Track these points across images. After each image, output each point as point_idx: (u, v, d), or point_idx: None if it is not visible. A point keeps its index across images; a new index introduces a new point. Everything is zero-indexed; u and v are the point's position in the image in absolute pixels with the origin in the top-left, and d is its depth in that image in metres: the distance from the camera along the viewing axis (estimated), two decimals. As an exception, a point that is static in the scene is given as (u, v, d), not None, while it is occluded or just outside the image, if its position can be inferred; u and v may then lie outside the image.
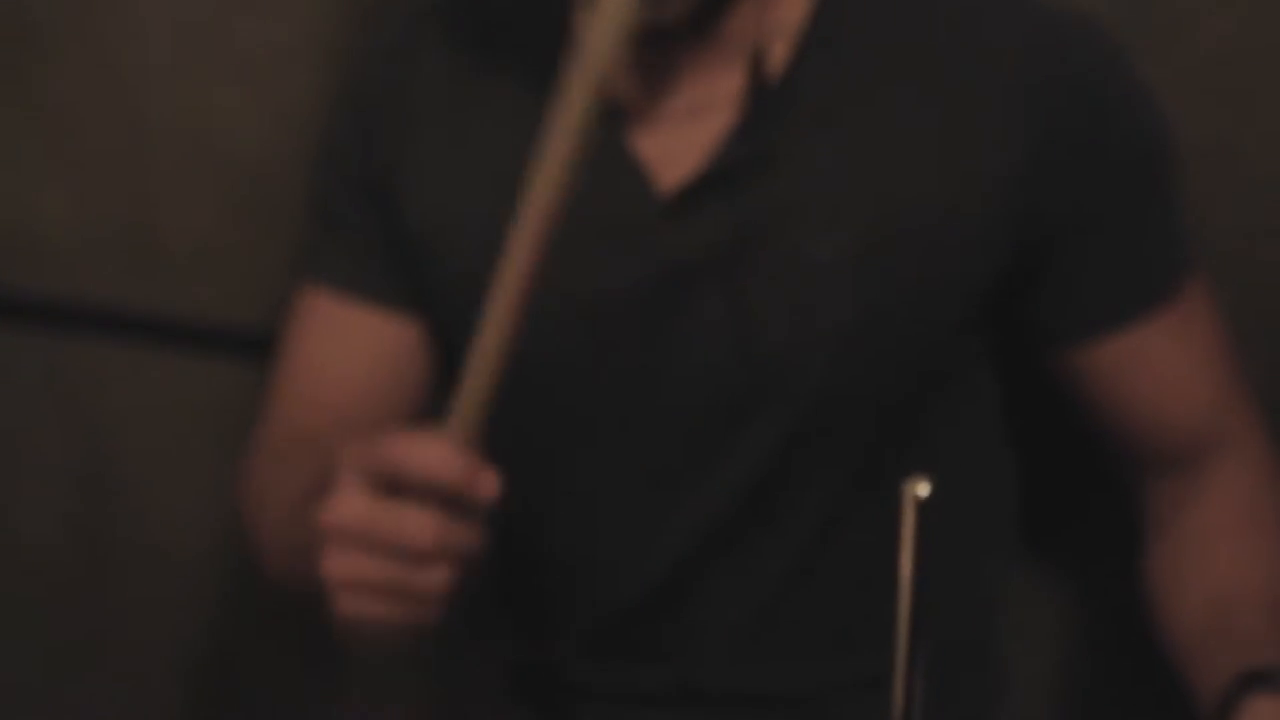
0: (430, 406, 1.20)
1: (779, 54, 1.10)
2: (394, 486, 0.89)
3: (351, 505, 0.89)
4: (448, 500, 0.88)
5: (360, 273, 1.21)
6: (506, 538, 1.09)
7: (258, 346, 1.60)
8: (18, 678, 1.73)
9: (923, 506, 0.67)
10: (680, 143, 1.11)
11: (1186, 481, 1.17)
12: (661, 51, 1.10)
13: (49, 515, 1.70)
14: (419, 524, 0.88)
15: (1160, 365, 1.14)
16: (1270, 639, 1.06)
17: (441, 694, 1.61)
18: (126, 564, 1.70)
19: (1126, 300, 1.13)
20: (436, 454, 0.88)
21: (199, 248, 1.63)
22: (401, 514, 0.88)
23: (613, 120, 1.10)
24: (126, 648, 1.71)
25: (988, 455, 1.23)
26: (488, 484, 0.88)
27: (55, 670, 1.73)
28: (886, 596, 0.70)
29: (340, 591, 0.91)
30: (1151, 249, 1.14)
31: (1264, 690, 0.99)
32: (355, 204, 1.22)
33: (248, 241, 1.62)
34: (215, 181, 1.61)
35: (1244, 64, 1.34)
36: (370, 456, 0.90)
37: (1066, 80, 1.10)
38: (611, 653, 1.21)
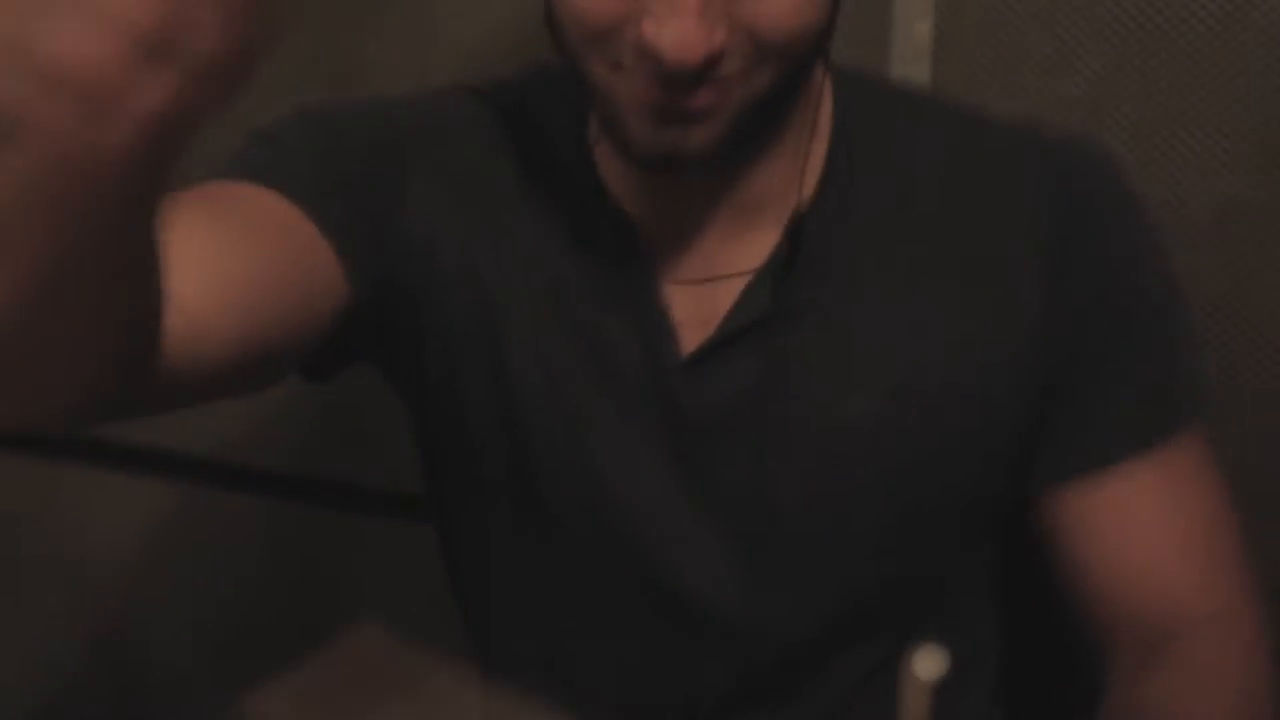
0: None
1: (806, 213, 1.09)
2: None
3: None
4: None
5: (302, 183, 1.04)
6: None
7: (213, 472, 1.59)
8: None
9: (932, 687, 0.65)
10: (707, 298, 1.10)
11: (1157, 658, 1.09)
12: (692, 205, 1.09)
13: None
14: None
15: (1139, 525, 1.08)
16: None
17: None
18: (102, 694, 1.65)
19: (1107, 444, 1.09)
20: None
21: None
22: None
23: (641, 270, 1.09)
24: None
25: (986, 616, 1.21)
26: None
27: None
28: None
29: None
30: (1142, 396, 1.10)
31: None
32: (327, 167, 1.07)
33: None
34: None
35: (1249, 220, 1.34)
36: None
37: (1077, 238, 1.08)
38: None
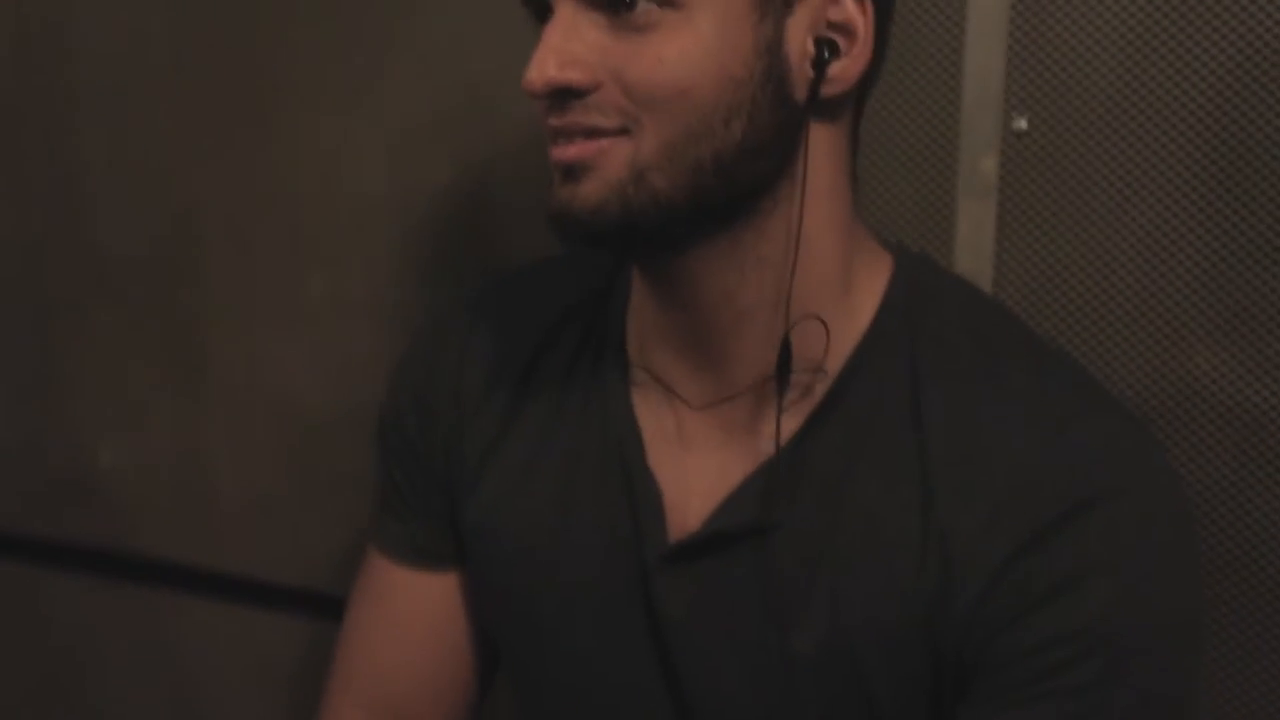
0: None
1: (801, 414, 1.05)
2: None
3: None
4: None
5: (413, 541, 1.21)
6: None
7: (310, 602, 1.60)
8: None
9: None
10: (699, 487, 1.08)
11: None
12: (670, 345, 1.08)
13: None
14: None
15: None
16: None
17: None
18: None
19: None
20: None
21: (252, 502, 1.61)
22: None
23: (640, 448, 1.09)
24: None
25: None
26: None
27: None
28: None
29: None
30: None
31: None
32: (409, 472, 1.21)
33: (301, 497, 1.60)
34: (272, 435, 1.60)
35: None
36: None
37: (1051, 551, 0.99)
38: None
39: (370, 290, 1.54)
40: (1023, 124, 1.28)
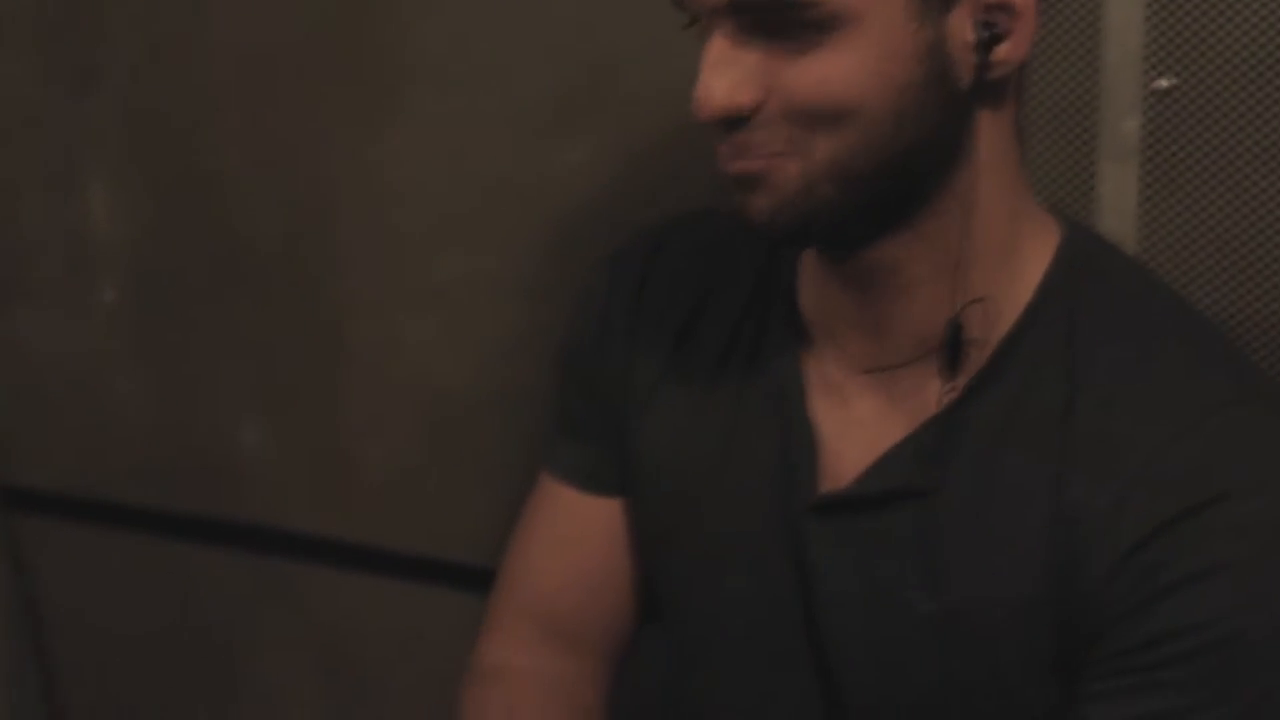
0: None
1: (959, 382, 1.06)
2: None
3: None
4: None
5: (586, 466, 1.24)
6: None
7: (453, 574, 1.62)
8: None
9: None
10: (856, 444, 1.09)
11: None
12: (842, 313, 1.09)
13: None
14: None
15: None
16: None
17: None
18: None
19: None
20: None
21: (395, 478, 1.63)
22: None
23: (802, 399, 1.10)
24: None
25: None
26: None
27: None
28: None
29: None
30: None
31: None
32: (584, 399, 1.25)
33: (444, 473, 1.61)
34: (412, 411, 1.61)
35: None
36: None
37: (1180, 543, 0.97)
38: None
39: (504, 269, 1.54)
40: (1165, 83, 1.25)
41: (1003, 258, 1.04)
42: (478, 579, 1.55)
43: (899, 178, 0.99)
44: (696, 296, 1.18)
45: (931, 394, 1.05)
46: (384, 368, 1.62)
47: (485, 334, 1.56)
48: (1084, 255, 1.06)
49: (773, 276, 1.15)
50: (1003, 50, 0.98)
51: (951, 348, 1.04)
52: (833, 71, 0.94)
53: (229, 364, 1.70)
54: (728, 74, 0.95)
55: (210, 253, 1.69)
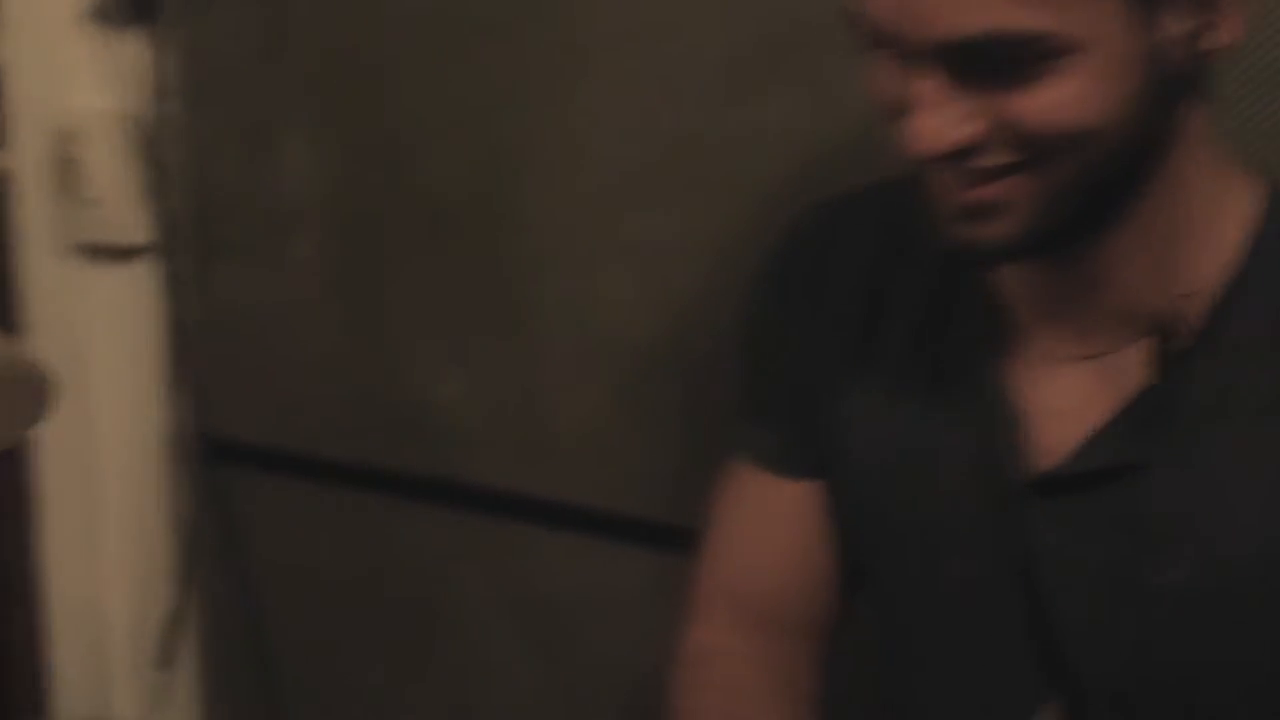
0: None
1: (1186, 326, 1.04)
2: None
3: None
4: None
5: (776, 448, 1.23)
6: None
7: (647, 532, 1.62)
8: None
9: None
10: (1066, 419, 1.07)
11: None
12: (1047, 297, 1.07)
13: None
14: None
15: None
16: None
17: None
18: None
19: None
20: None
21: (590, 435, 1.63)
22: None
23: (1007, 376, 1.08)
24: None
25: None
26: None
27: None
28: None
29: None
30: None
31: None
32: (771, 381, 1.23)
33: (638, 429, 1.60)
34: (605, 368, 1.61)
35: None
36: None
37: None
38: None
39: (692, 226, 1.53)
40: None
41: (1207, 229, 1.02)
42: (670, 536, 1.56)
43: (1124, 178, 0.98)
44: (880, 274, 1.15)
45: (1138, 369, 1.03)
46: (578, 324, 1.61)
47: (679, 291, 1.55)
48: None
49: (950, 263, 1.12)
50: (1216, 37, 0.96)
51: (1161, 327, 1.02)
52: (1063, 99, 0.92)
53: (424, 320, 1.71)
54: (943, 112, 0.94)
55: (404, 209, 1.70)
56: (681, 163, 1.52)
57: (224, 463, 1.86)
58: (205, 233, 1.83)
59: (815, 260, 1.19)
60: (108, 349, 1.88)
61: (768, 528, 1.24)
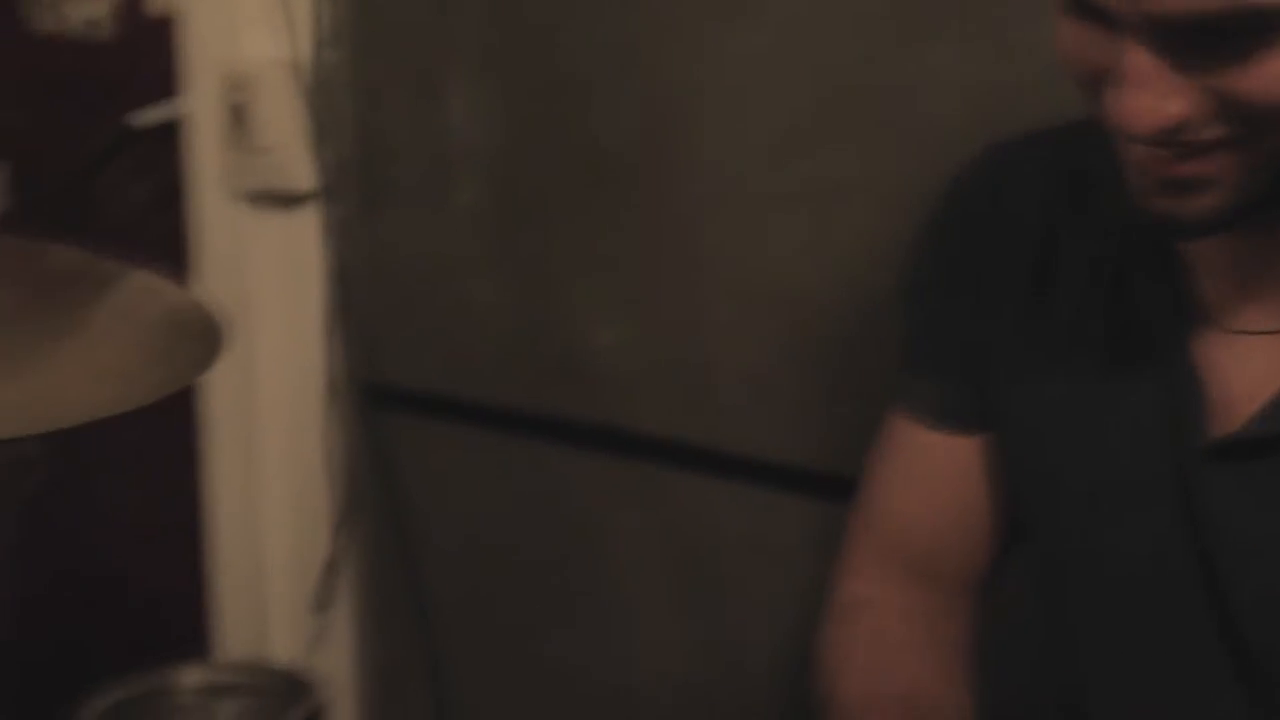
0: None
1: None
2: None
3: None
4: None
5: (938, 402, 1.22)
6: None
7: (809, 481, 1.61)
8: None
9: None
10: (1245, 384, 1.05)
11: None
12: (1239, 262, 1.05)
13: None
14: None
15: None
16: None
17: None
18: (679, 684, 1.75)
19: None
20: None
21: (751, 383, 1.63)
22: None
23: (1185, 339, 1.06)
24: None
25: None
26: None
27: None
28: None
29: None
30: None
31: None
32: (935, 334, 1.22)
33: (800, 379, 1.60)
34: (769, 317, 1.61)
35: None
36: None
37: None
38: None
39: (864, 173, 1.52)
40: None
41: None
42: (830, 486, 1.55)
43: None
44: (1049, 228, 1.13)
45: None
46: (741, 272, 1.61)
47: (844, 239, 1.54)
48: None
49: (1131, 221, 1.09)
50: None
51: None
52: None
53: (587, 266, 1.72)
54: (1156, 88, 0.92)
55: (568, 155, 1.70)
56: (851, 107, 1.51)
57: (384, 408, 1.88)
58: (371, 179, 1.85)
59: (988, 207, 1.17)
60: (273, 294, 1.91)
61: (927, 481, 1.23)
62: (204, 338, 1.05)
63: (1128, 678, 1.13)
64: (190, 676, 1.76)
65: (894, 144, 1.49)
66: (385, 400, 1.88)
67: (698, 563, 1.71)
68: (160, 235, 1.97)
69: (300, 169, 1.84)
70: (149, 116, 1.96)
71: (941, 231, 1.21)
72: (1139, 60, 0.91)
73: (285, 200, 1.87)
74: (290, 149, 1.83)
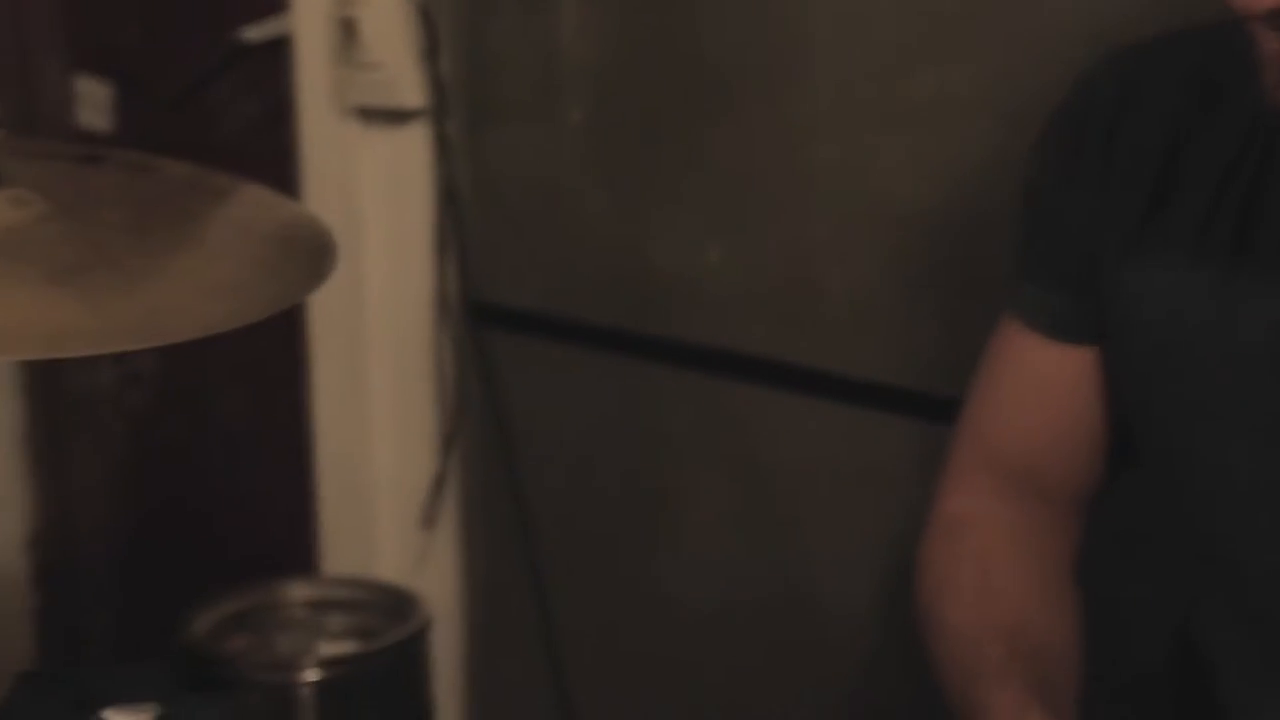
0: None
1: None
2: None
3: None
4: None
5: (1051, 311, 1.20)
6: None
7: (913, 402, 1.60)
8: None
9: None
10: None
11: None
12: None
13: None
14: None
15: None
16: None
17: None
18: (778, 606, 1.75)
19: None
20: None
21: (857, 304, 1.61)
22: None
23: None
24: (772, 693, 1.75)
25: None
26: None
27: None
28: None
29: None
30: None
31: None
32: (1051, 241, 1.20)
33: (906, 299, 1.58)
34: (876, 237, 1.59)
35: None
36: None
37: None
38: None
39: (975, 89, 1.49)
40: None
41: None
42: (934, 408, 1.53)
43: None
44: (1179, 133, 1.10)
45: None
46: (849, 190, 1.59)
47: (954, 157, 1.51)
48: None
49: (1264, 124, 1.06)
50: None
51: None
52: None
53: (693, 185, 1.70)
54: None
55: (676, 72, 1.69)
56: (967, 21, 1.48)
57: (489, 326, 1.89)
58: (478, 97, 1.85)
59: (1109, 115, 1.14)
60: (380, 212, 1.91)
61: (1037, 392, 1.21)
62: (315, 254, 1.04)
63: (1242, 596, 1.12)
64: (298, 591, 1.79)
65: (1011, 59, 1.46)
66: (491, 318, 1.89)
67: (798, 486, 1.70)
68: (269, 152, 1.98)
69: (409, 85, 1.84)
70: (258, 32, 1.97)
71: (1064, 133, 1.18)
72: None
73: (394, 117, 1.87)
74: (399, 65, 1.83)
